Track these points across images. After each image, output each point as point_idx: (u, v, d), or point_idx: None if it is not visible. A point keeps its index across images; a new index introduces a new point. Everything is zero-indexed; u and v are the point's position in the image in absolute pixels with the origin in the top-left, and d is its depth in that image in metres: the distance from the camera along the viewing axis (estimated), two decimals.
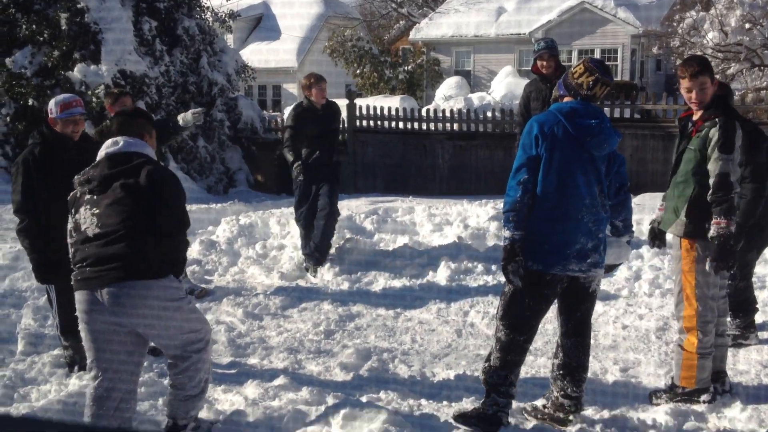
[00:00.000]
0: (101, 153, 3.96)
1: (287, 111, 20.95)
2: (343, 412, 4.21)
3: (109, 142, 3.99)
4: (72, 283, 3.87)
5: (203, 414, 4.30)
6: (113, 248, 3.72)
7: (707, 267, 4.32)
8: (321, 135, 7.59)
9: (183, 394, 4.04)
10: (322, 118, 7.60)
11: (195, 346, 4.02)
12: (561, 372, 4.24)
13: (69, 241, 3.91)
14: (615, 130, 4.06)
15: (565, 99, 4.09)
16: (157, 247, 3.82)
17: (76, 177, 3.97)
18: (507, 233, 3.97)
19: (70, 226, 3.92)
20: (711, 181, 4.27)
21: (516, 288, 4.00)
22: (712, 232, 4.25)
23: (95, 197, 3.84)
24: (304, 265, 7.71)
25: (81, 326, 3.87)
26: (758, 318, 5.67)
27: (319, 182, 7.58)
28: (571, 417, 4.23)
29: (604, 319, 6.16)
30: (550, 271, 3.99)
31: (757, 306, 5.67)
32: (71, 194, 3.98)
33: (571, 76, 4.07)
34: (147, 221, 3.80)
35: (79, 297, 3.82)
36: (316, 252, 7.60)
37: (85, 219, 3.81)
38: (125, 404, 3.91)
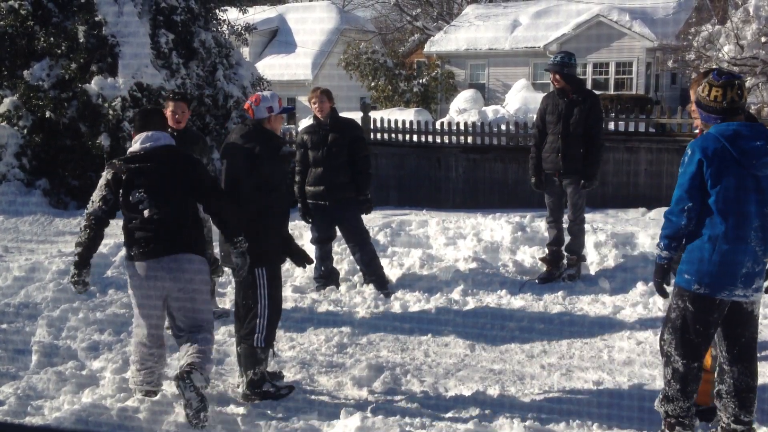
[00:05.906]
0: (140, 146, 4.68)
1: (302, 123, 21.03)
2: (355, 426, 4.20)
3: (145, 136, 4.72)
4: (133, 254, 4.66)
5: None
6: (167, 232, 4.63)
7: None
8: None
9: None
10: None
11: (206, 327, 4.78)
12: (731, 397, 4.11)
13: (128, 216, 4.66)
14: None
15: (715, 123, 3.90)
16: (201, 229, 4.85)
17: (118, 161, 4.69)
18: (664, 254, 4.03)
19: (123, 201, 4.65)
20: None
21: (683, 314, 3.99)
22: None
23: (149, 185, 4.61)
24: (381, 294, 7.23)
25: (132, 291, 4.74)
26: None
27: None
28: None
29: (618, 334, 6.12)
30: (716, 296, 3.92)
31: None
32: (111, 174, 4.65)
33: (704, 100, 3.92)
34: (192, 207, 4.76)
35: (138, 267, 4.64)
36: (378, 287, 7.28)
37: (142, 202, 4.60)
38: (162, 359, 4.89)
